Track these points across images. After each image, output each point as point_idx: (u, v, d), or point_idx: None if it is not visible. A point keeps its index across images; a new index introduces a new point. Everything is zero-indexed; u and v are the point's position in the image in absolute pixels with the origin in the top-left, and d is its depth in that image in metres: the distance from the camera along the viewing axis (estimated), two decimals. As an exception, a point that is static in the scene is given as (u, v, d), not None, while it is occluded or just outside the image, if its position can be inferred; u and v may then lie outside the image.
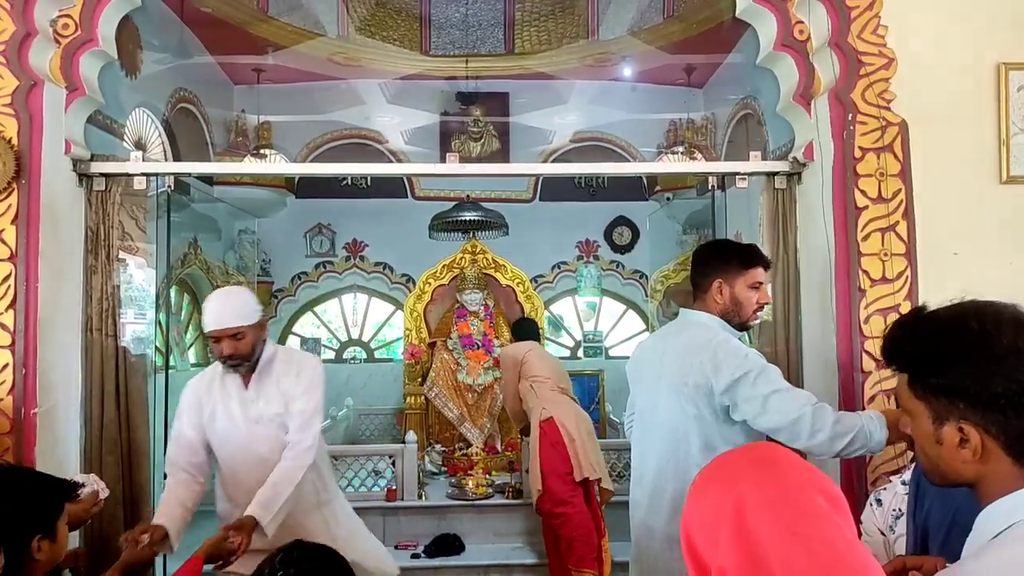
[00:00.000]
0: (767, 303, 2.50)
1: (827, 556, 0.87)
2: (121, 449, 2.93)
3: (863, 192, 2.74)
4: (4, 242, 2.67)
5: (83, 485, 2.15)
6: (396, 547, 4.56)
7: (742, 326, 2.37)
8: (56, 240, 2.81)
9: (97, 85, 2.99)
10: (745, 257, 2.37)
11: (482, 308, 6.15)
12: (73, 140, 2.91)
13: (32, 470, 2.25)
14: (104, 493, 2.42)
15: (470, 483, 4.89)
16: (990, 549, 0.97)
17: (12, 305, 2.67)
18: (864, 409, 2.65)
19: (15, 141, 2.68)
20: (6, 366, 2.66)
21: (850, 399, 2.70)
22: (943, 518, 1.53)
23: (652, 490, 2.32)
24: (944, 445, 1.05)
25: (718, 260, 2.39)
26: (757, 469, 0.97)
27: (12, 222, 2.68)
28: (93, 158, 3.00)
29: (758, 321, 2.46)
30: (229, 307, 2.58)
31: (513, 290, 6.43)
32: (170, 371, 3.80)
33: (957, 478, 1.07)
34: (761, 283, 2.37)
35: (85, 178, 2.97)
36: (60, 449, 2.80)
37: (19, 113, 2.71)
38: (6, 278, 2.67)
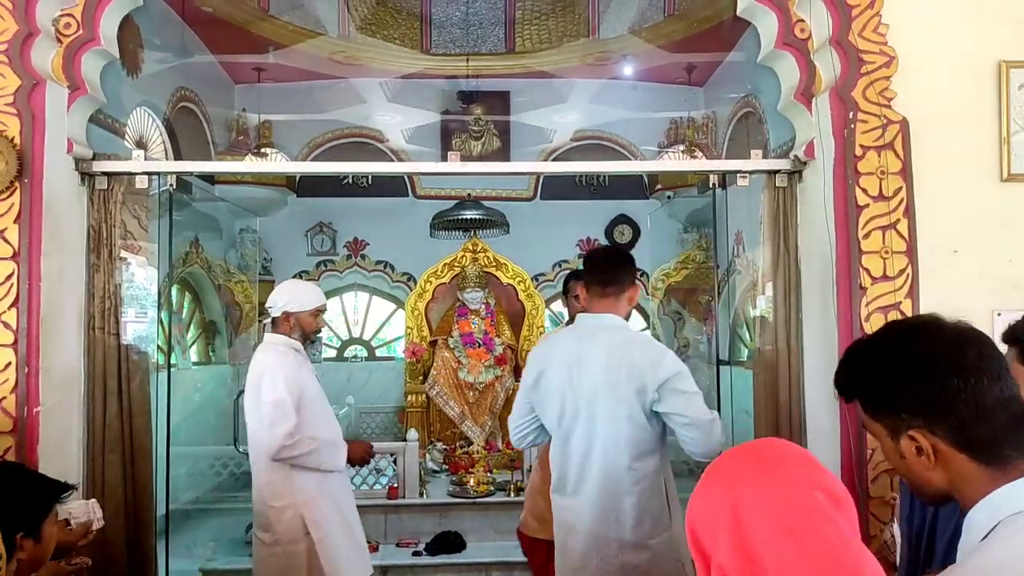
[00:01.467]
0: None
1: (821, 553, 0.87)
2: (123, 447, 2.94)
3: (864, 190, 2.74)
4: (7, 241, 2.68)
5: (75, 488, 2.08)
6: (397, 544, 4.58)
7: None
8: (58, 239, 2.81)
9: (99, 84, 2.99)
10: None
11: (483, 306, 6.16)
12: (75, 139, 2.91)
13: (22, 467, 2.21)
14: (98, 524, 2.31)
15: (471, 481, 4.90)
16: (981, 550, 1.00)
17: (15, 304, 2.67)
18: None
19: (17, 140, 2.69)
20: (8, 365, 2.66)
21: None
22: (950, 514, 1.53)
23: (576, 491, 2.38)
24: (907, 458, 1.11)
25: (634, 267, 2.60)
26: (756, 467, 0.98)
27: (15, 221, 2.68)
28: (95, 157, 3.00)
29: None
30: None
31: (514, 288, 6.45)
32: (172, 370, 3.80)
33: (931, 488, 1.11)
34: None
35: (87, 177, 2.97)
36: (63, 448, 2.80)
37: (21, 112, 2.71)
38: (8, 277, 2.67)
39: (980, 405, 1.05)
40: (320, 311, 3.16)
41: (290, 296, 3.12)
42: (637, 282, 2.55)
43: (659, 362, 2.28)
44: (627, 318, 2.52)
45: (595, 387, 2.32)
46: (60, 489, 1.84)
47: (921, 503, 1.63)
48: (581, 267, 2.94)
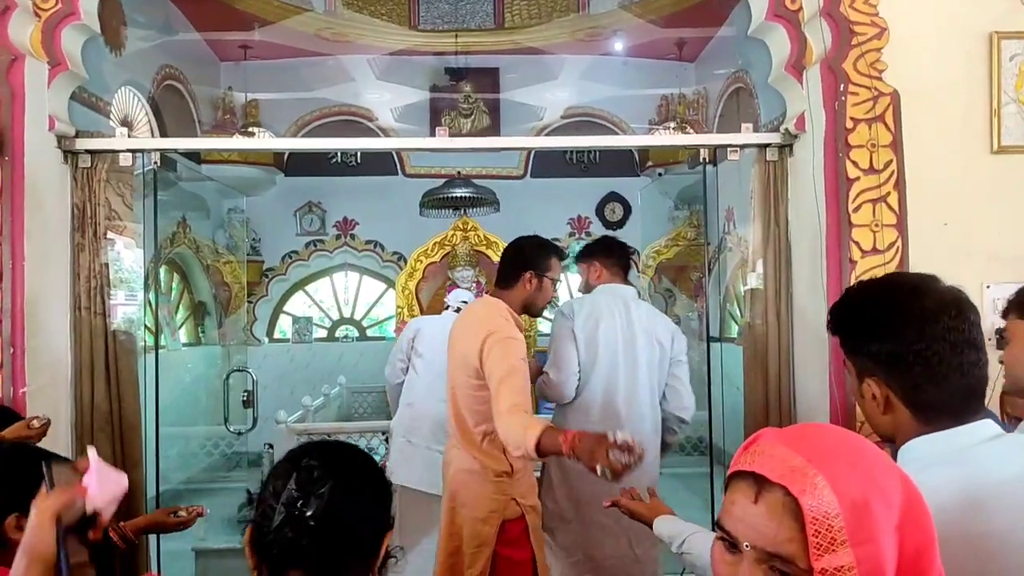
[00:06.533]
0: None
1: None
2: (112, 428, 2.92)
3: (854, 163, 2.72)
4: (-11, 220, 2.64)
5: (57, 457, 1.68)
6: (390, 523, 4.59)
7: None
8: (42, 218, 2.77)
9: (80, 60, 2.93)
10: None
11: (474, 285, 6.14)
12: (57, 116, 2.86)
13: (9, 442, 2.08)
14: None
15: (463, 459, 4.90)
16: None
17: (-1, 284, 2.64)
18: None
19: (-3, 117, 2.64)
20: (-6, 345, 2.63)
21: (839, 370, 2.71)
22: None
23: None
24: (864, 399, 1.21)
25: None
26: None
27: (-4, 200, 2.64)
28: (78, 135, 2.96)
29: None
30: None
31: (505, 267, 6.42)
32: (161, 351, 3.78)
33: (879, 431, 1.22)
34: None
35: (70, 155, 2.92)
36: (51, 428, 2.76)
37: (0, 88, 2.66)
38: (-8, 256, 2.64)
39: (936, 373, 1.12)
40: None
41: None
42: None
43: (676, 336, 3.00)
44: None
45: (644, 345, 2.89)
46: (39, 456, 1.51)
47: None
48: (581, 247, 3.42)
